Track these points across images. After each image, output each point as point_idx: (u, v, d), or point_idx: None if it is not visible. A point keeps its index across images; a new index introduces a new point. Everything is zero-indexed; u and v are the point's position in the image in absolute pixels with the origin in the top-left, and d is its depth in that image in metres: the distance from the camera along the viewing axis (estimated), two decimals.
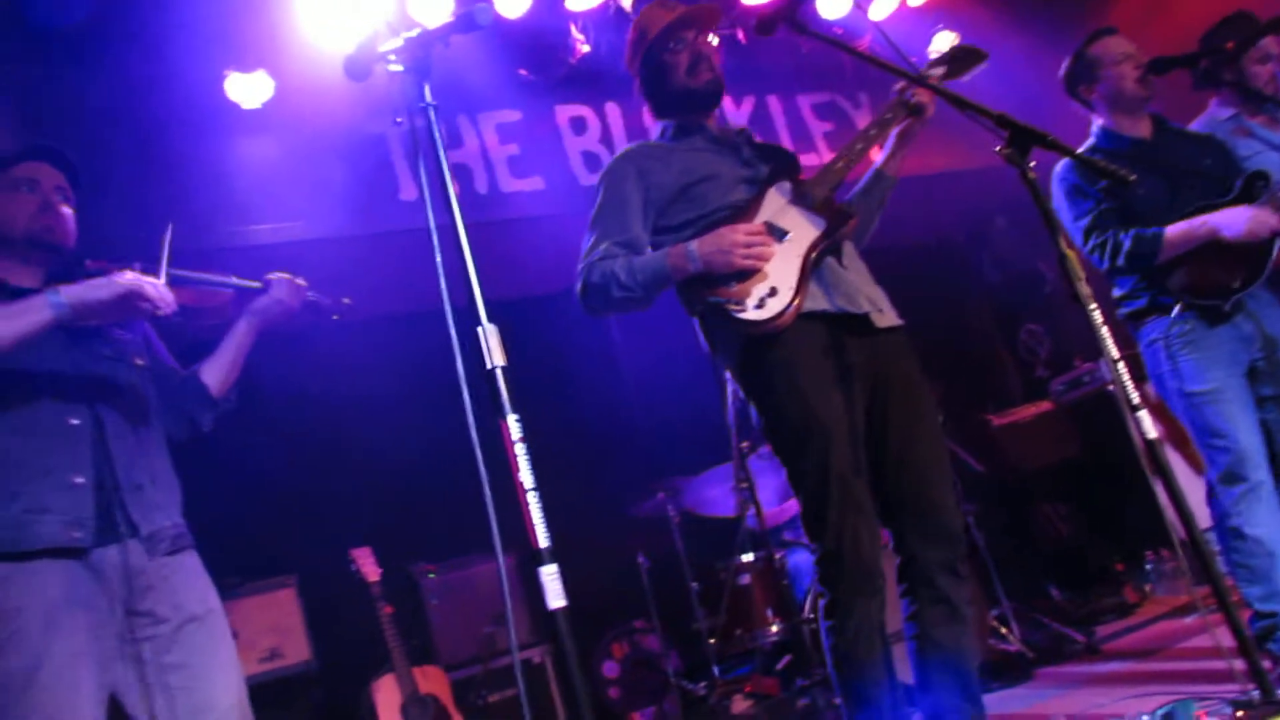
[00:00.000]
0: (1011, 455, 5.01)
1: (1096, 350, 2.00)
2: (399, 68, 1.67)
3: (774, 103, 5.45)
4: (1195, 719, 2.13)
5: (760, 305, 2.16)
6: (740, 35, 5.07)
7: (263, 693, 3.63)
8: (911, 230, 6.09)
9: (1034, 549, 5.12)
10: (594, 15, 4.71)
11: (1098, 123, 3.11)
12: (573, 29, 4.73)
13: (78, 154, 3.63)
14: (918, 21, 5.41)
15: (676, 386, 5.03)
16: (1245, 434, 2.74)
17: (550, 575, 1.39)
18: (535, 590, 1.44)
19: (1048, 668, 3.62)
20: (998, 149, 2.05)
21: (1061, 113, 3.27)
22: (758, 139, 2.58)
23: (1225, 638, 1.92)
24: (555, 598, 1.38)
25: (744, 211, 2.32)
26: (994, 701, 3.24)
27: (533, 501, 1.42)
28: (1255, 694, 1.91)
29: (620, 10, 4.67)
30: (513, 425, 1.47)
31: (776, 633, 3.92)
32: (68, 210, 2.21)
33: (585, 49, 4.74)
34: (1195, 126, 3.23)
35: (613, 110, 5.12)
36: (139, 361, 2.26)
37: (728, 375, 3.52)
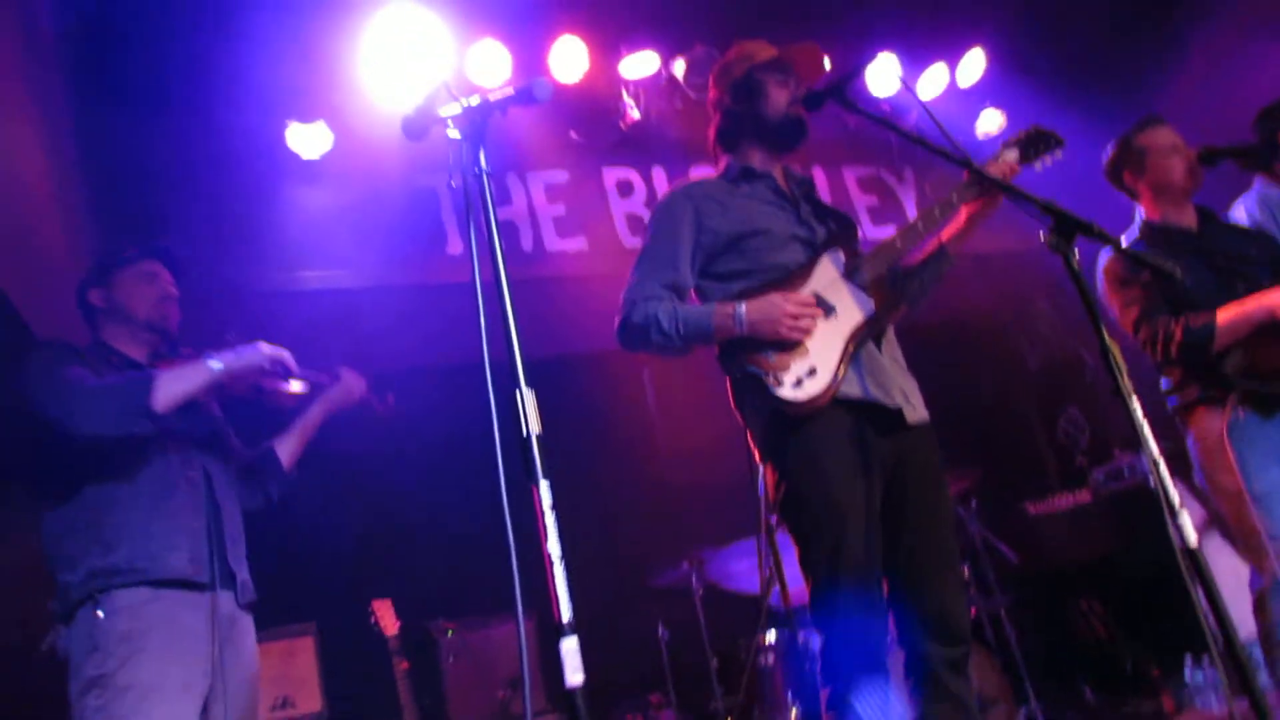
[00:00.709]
0: (1048, 546, 4.88)
1: (1137, 440, 1.95)
2: (456, 134, 1.70)
3: (819, 174, 5.48)
4: None
5: (798, 384, 2.14)
6: None
7: None
8: (955, 308, 6.06)
9: (1068, 647, 4.95)
10: (646, 84, 4.81)
11: (1142, 212, 3.09)
12: (624, 95, 4.83)
13: (140, 194, 3.77)
14: (965, 101, 5.47)
15: (709, 454, 4.98)
16: None
17: (570, 650, 1.36)
18: (554, 656, 1.42)
19: None
20: (1043, 236, 2.04)
21: (1108, 195, 3.25)
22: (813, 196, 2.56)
23: None
24: (574, 673, 1.35)
25: (795, 276, 2.30)
26: None
27: (559, 573, 1.40)
28: None
29: (672, 79, 4.77)
30: (544, 493, 1.45)
31: (797, 717, 3.80)
32: (175, 304, 2.58)
33: (635, 115, 4.83)
34: (1243, 201, 3.20)
35: (659, 175, 5.19)
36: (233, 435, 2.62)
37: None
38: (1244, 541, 2.77)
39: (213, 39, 3.85)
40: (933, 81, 5.29)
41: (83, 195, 3.91)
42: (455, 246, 4.60)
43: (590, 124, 4.86)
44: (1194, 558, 1.91)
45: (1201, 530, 4.41)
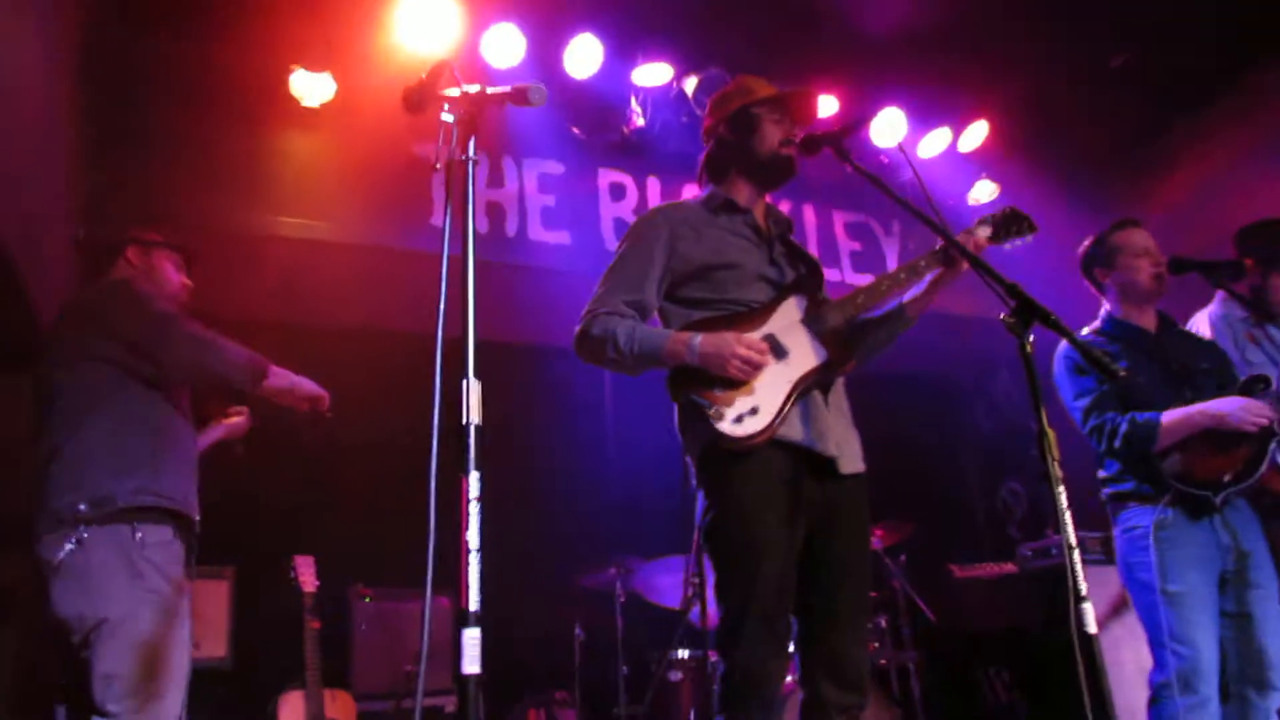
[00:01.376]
0: (966, 611, 4.97)
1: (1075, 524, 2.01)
2: (449, 118, 1.72)
3: (809, 212, 5.55)
4: None
5: (738, 420, 2.18)
6: None
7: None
8: (918, 364, 6.15)
9: (969, 709, 5.05)
10: (655, 92, 4.84)
11: (1105, 308, 3.18)
12: (633, 100, 4.86)
13: (138, 115, 3.75)
14: (964, 165, 5.57)
15: (655, 467, 5.02)
16: (1207, 646, 2.72)
17: (471, 639, 1.39)
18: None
19: None
20: (1002, 316, 2.10)
21: (1080, 285, 3.34)
22: (792, 236, 2.60)
23: None
24: (471, 663, 1.37)
25: (756, 314, 2.33)
26: None
27: (473, 563, 1.42)
28: None
29: (681, 94, 4.81)
30: (472, 483, 1.47)
31: None
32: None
33: (640, 121, 4.87)
34: (1208, 311, 3.30)
35: (653, 184, 5.22)
36: None
37: None
38: (1150, 636, 2.85)
39: None
40: (936, 140, 5.38)
41: (80, 110, 3.88)
42: (439, 218, 4.61)
43: (594, 122, 4.88)
44: (1089, 643, 1.97)
45: (1115, 615, 4.53)
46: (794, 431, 2.23)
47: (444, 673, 4.08)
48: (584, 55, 4.51)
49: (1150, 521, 2.82)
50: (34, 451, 2.51)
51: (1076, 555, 2.01)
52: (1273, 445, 2.82)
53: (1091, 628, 1.98)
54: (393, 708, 3.91)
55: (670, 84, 4.82)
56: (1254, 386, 2.87)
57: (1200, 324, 3.32)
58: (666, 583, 4.40)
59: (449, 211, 1.65)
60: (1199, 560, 2.79)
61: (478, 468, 1.48)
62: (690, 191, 4.00)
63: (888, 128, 5.04)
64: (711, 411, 2.18)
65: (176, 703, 2.37)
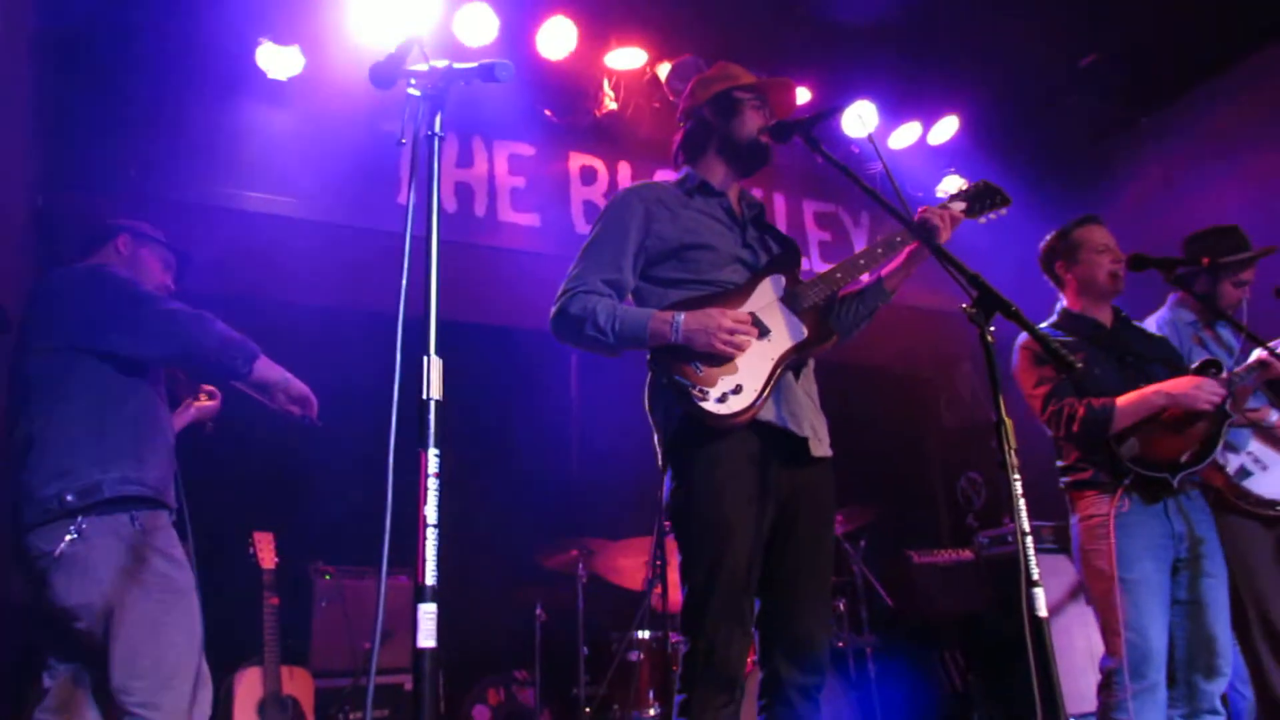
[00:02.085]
0: (923, 596, 5.05)
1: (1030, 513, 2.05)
2: (416, 93, 1.71)
3: (779, 201, 5.59)
4: None
5: (722, 399, 2.17)
6: None
7: None
8: (884, 354, 6.22)
9: (925, 693, 5.14)
10: (629, 77, 4.83)
11: (1063, 302, 3.24)
12: (605, 84, 4.84)
13: (101, 84, 3.67)
14: (933, 158, 5.63)
15: (619, 449, 5.03)
16: (1158, 633, 2.78)
17: (428, 614, 1.39)
18: None
19: None
20: (964, 306, 2.13)
21: (1042, 278, 3.40)
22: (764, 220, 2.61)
23: None
24: (426, 637, 1.38)
25: (734, 294, 2.34)
26: None
27: (430, 538, 1.43)
28: None
29: (655, 80, 4.80)
30: (431, 459, 1.48)
31: (653, 716, 3.89)
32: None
33: (612, 106, 4.85)
34: (1157, 315, 3.38)
35: (624, 168, 5.22)
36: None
37: None
38: (1103, 622, 2.89)
39: None
40: (906, 133, 5.43)
41: (40, 78, 3.79)
42: (406, 196, 4.57)
43: (566, 105, 4.86)
44: (1039, 627, 2.02)
45: (1068, 602, 4.63)
46: (768, 412, 2.24)
47: (405, 650, 4.07)
48: (557, 37, 4.49)
49: (1108, 511, 2.87)
50: (7, 439, 2.49)
51: (1029, 541, 2.05)
52: (1226, 426, 2.90)
53: (1042, 611, 2.02)
54: (351, 685, 3.90)
55: (643, 69, 4.81)
56: (1206, 369, 2.95)
57: (1149, 326, 3.40)
58: (629, 564, 4.43)
59: (413, 187, 1.64)
60: (1153, 549, 2.85)
61: (437, 444, 1.48)
62: (662, 177, 4.00)
63: (858, 119, 5.07)
64: (695, 391, 2.17)
65: (190, 679, 2.40)
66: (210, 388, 3.01)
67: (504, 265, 4.87)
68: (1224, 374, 2.93)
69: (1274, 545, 3.10)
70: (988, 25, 4.73)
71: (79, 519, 2.33)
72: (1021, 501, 2.07)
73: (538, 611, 4.23)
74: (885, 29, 4.68)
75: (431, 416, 1.49)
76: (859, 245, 5.79)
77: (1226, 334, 3.36)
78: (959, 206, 2.56)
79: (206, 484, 4.02)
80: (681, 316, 2.21)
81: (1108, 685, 2.81)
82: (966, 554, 5.32)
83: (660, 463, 2.35)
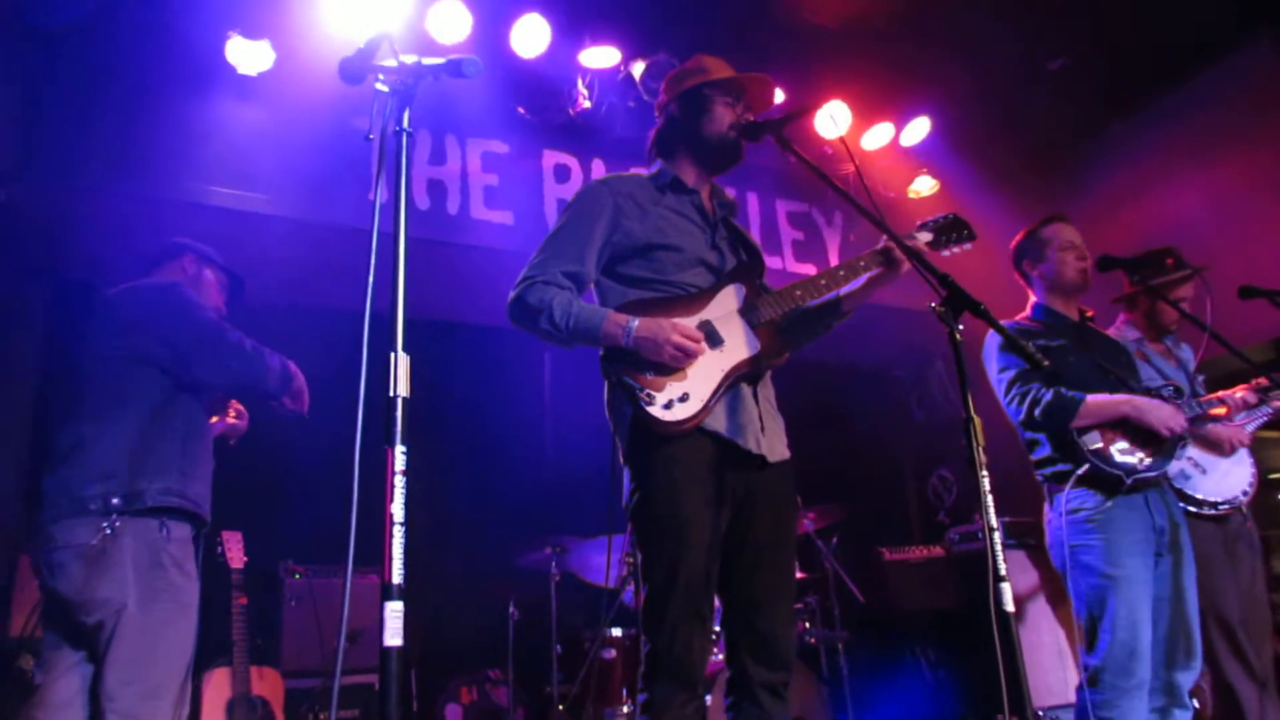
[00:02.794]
0: (894, 592, 5.10)
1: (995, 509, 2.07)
2: (384, 88, 1.70)
3: (752, 200, 5.60)
4: None
5: (668, 406, 2.18)
6: None
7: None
8: (857, 353, 6.27)
9: (895, 687, 5.19)
10: (603, 75, 4.82)
11: (1034, 298, 3.28)
12: (579, 82, 4.83)
13: (67, 74, 3.63)
14: (906, 158, 5.67)
15: (593, 446, 5.02)
16: (1146, 630, 2.79)
17: (394, 612, 1.39)
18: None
19: None
20: (933, 305, 2.15)
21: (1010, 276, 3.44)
22: (735, 220, 2.61)
23: None
24: (393, 636, 1.37)
25: (694, 299, 2.33)
26: None
27: (397, 535, 1.42)
28: None
29: (629, 78, 4.80)
30: (398, 456, 1.47)
31: (626, 714, 3.89)
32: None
33: (586, 104, 4.84)
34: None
35: (598, 167, 5.21)
36: None
37: None
38: (1088, 619, 2.87)
39: None
40: (878, 134, 5.46)
41: (4, 69, 3.73)
42: (381, 195, 4.53)
43: (540, 103, 4.84)
44: (1006, 621, 2.04)
45: (1035, 596, 4.69)
46: (717, 423, 2.24)
47: (375, 649, 4.04)
48: (531, 34, 4.47)
49: (1095, 504, 2.88)
50: (50, 432, 2.61)
51: (997, 537, 2.07)
52: (1180, 446, 2.97)
53: (1009, 606, 2.05)
54: (321, 685, 3.87)
55: (617, 67, 4.80)
56: (1161, 392, 3.04)
57: None
58: (602, 562, 4.43)
59: (379, 182, 1.63)
60: (1139, 544, 2.87)
61: (405, 442, 1.48)
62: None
63: (830, 119, 5.09)
64: (643, 395, 2.18)
65: (174, 694, 2.47)
66: (240, 407, 3.14)
67: (477, 263, 4.85)
68: (1185, 396, 3.04)
69: (1224, 542, 3.18)
70: (960, 27, 4.78)
71: (114, 517, 2.45)
72: (989, 498, 2.10)
73: (511, 609, 4.22)
74: (858, 29, 4.71)
75: (399, 414, 1.49)
76: (831, 245, 5.82)
77: (1179, 346, 3.48)
78: (925, 238, 2.58)
79: None
80: (635, 322, 2.21)
81: (1095, 683, 2.79)
82: (937, 550, 5.37)
83: (619, 463, 2.34)
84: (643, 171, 2.60)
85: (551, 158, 5.09)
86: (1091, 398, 2.92)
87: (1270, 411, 3.27)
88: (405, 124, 1.67)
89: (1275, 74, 4.85)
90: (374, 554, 1.46)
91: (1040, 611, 4.60)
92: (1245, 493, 3.23)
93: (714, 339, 2.29)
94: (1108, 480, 2.88)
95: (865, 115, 5.34)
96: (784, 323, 2.45)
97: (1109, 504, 2.87)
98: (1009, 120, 5.54)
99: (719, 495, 2.21)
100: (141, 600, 2.43)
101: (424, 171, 4.70)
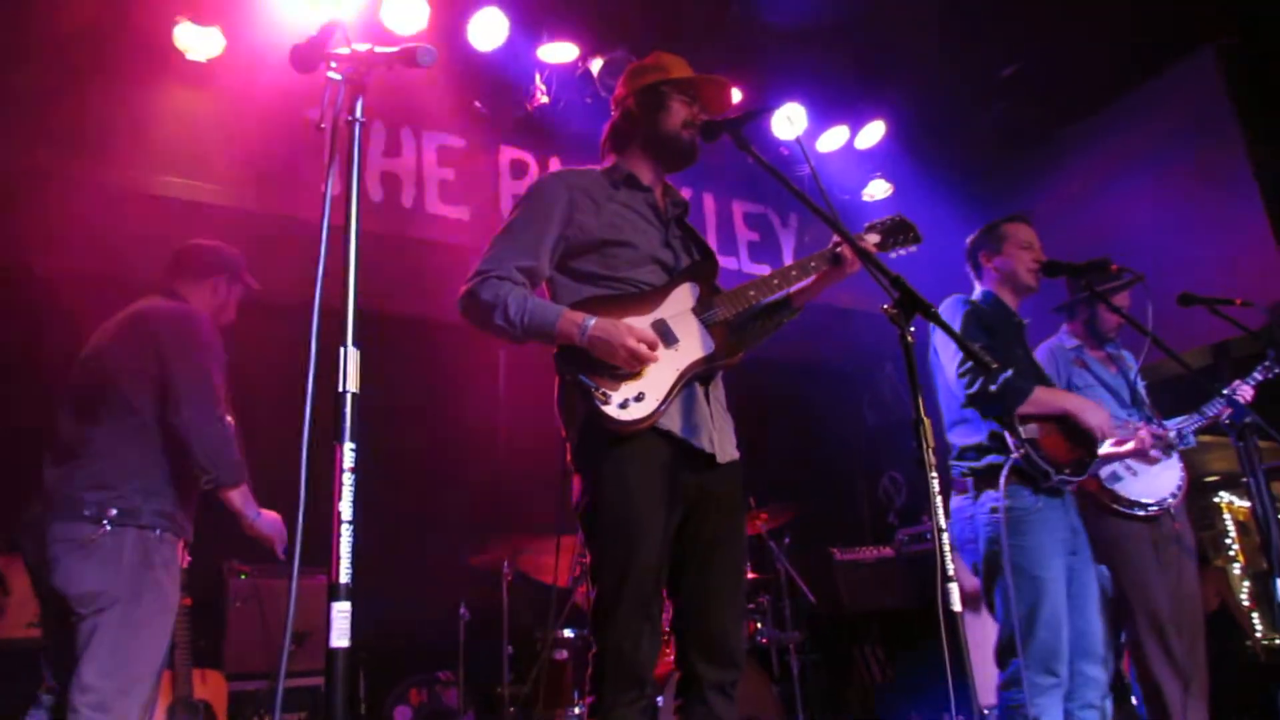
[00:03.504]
0: (845, 592, 5.15)
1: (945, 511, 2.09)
2: (337, 77, 1.66)
3: (709, 200, 5.62)
4: None
5: (623, 406, 2.17)
6: None
7: (17, 661, 3.35)
8: (809, 355, 6.31)
9: (846, 686, 5.25)
10: (560, 71, 4.79)
11: (984, 286, 3.33)
12: (537, 78, 4.79)
13: (13, 64, 3.52)
14: (860, 162, 5.73)
15: (546, 446, 4.98)
16: (1064, 629, 2.83)
17: (341, 613, 1.36)
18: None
19: None
20: (885, 306, 2.16)
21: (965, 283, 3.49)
22: (689, 220, 2.60)
23: None
24: (340, 637, 1.34)
25: (648, 297, 2.32)
26: None
27: (345, 534, 1.39)
28: None
29: (587, 74, 4.78)
30: (347, 453, 1.44)
31: (578, 715, 3.87)
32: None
33: (544, 100, 4.81)
34: (1043, 345, 3.58)
35: (555, 163, 5.19)
36: None
37: None
38: (1021, 619, 2.88)
39: None
40: (834, 137, 5.51)
41: None
42: (332, 187, 4.46)
43: (496, 98, 4.81)
44: (954, 621, 2.07)
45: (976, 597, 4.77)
46: (671, 422, 2.23)
47: (322, 651, 3.97)
48: (488, 28, 4.43)
49: (1028, 503, 2.91)
50: (60, 427, 2.71)
51: (945, 537, 2.10)
52: (1094, 457, 3.05)
53: (956, 606, 2.07)
54: (267, 688, 3.79)
55: (576, 64, 4.77)
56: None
57: (1038, 354, 3.57)
58: (554, 561, 4.40)
59: (331, 172, 1.60)
60: (1061, 544, 2.93)
61: (354, 438, 1.44)
62: None
63: (787, 121, 5.13)
64: (598, 394, 2.16)
65: (145, 694, 2.55)
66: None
67: (432, 258, 4.79)
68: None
69: (1153, 542, 3.27)
70: (914, 33, 4.84)
71: (106, 524, 2.57)
72: (939, 499, 2.12)
73: (462, 610, 4.18)
74: (815, 33, 4.75)
75: (348, 409, 1.46)
76: (786, 246, 5.86)
77: (1120, 351, 3.58)
78: (872, 239, 2.60)
79: None
80: (591, 322, 2.19)
81: (1017, 683, 2.82)
82: (887, 551, 5.44)
83: (570, 464, 2.31)
84: (595, 166, 2.58)
85: (508, 153, 5.05)
86: (1041, 389, 2.97)
87: (1205, 418, 3.37)
88: (358, 113, 1.64)
89: (1217, 84, 4.99)
90: (321, 553, 1.43)
91: (986, 611, 4.67)
92: (1174, 495, 3.32)
93: (668, 338, 2.28)
94: (1033, 476, 2.92)
95: (820, 118, 5.39)
96: (737, 322, 2.45)
97: (1039, 504, 2.91)
98: (962, 126, 5.64)
99: (670, 496, 2.20)
100: (129, 596, 2.53)
101: (378, 164, 4.63)
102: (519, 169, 5.08)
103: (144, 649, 2.54)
